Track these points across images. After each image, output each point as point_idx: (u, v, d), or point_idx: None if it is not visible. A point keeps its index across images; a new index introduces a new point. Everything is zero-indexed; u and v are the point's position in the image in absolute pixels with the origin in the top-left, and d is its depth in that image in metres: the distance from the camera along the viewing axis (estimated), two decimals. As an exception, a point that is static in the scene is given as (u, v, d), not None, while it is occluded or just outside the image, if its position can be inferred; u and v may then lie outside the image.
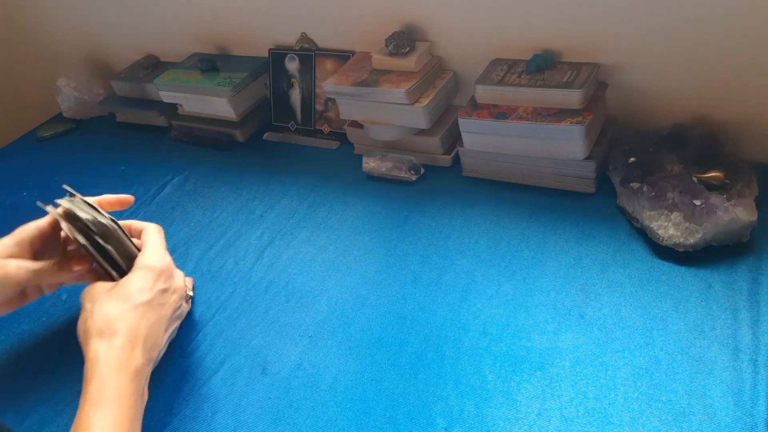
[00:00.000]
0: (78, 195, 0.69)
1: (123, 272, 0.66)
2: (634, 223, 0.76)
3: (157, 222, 0.72)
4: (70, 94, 1.27)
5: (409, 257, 0.79)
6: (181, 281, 0.69)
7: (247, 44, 1.15)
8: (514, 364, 0.63)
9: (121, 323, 0.59)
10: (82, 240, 0.64)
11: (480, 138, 0.85)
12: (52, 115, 1.33)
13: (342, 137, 1.05)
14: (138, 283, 0.63)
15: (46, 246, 0.70)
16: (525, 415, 0.59)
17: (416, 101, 0.90)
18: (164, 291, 0.64)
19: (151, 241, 0.69)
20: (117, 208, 0.75)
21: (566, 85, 0.80)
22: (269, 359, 0.69)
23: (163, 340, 0.64)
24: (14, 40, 1.47)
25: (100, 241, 0.65)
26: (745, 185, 0.72)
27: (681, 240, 0.70)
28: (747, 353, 0.60)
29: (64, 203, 0.67)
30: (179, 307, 0.69)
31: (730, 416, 0.55)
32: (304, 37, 1.07)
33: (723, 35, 0.76)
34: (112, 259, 0.66)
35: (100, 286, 0.63)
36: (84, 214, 0.65)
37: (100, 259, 0.66)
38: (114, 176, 1.09)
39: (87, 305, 0.62)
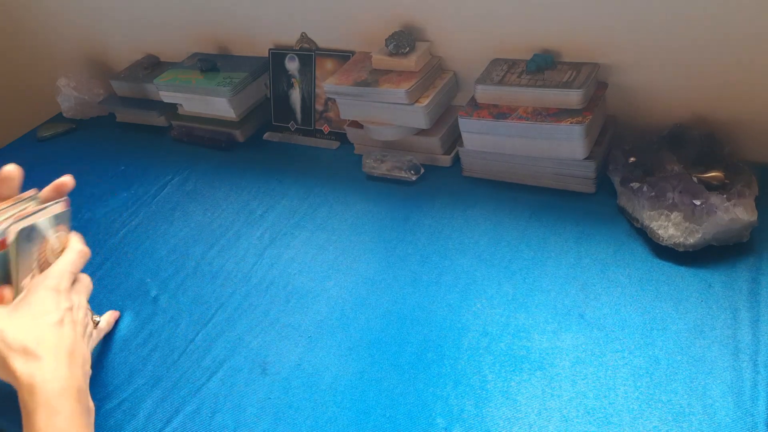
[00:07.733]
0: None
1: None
2: (634, 223, 0.76)
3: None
4: (70, 94, 1.27)
5: (409, 257, 0.79)
6: (84, 298, 0.65)
7: (247, 44, 1.15)
8: (514, 364, 0.63)
9: (43, 345, 0.55)
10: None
11: (480, 138, 0.85)
12: (52, 115, 1.33)
13: (342, 137, 1.05)
14: (42, 305, 0.59)
15: None
16: (525, 415, 0.59)
17: (416, 101, 0.90)
18: (70, 309, 0.61)
19: (62, 261, 0.64)
20: (56, 196, 0.70)
21: (566, 85, 0.80)
22: (269, 359, 0.69)
23: (88, 354, 0.62)
24: (14, 40, 1.47)
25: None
26: (745, 185, 0.72)
27: (681, 240, 0.70)
28: (747, 353, 0.60)
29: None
30: (87, 325, 0.66)
31: (730, 416, 0.55)
32: (304, 37, 1.07)
33: (723, 35, 0.76)
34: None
35: None
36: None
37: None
38: (114, 176, 1.09)
39: None
